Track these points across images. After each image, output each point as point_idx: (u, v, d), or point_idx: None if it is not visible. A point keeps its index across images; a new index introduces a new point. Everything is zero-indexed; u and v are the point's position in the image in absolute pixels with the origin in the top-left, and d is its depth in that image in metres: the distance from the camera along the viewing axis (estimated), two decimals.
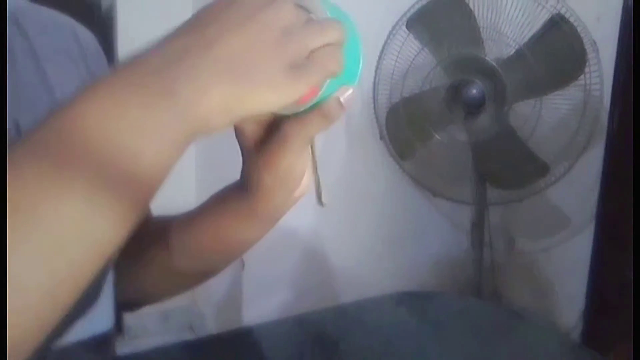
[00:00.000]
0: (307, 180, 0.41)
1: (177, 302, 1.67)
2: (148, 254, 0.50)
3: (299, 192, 0.41)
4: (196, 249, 0.47)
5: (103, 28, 1.38)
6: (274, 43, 0.31)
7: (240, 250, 0.47)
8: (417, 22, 1.24)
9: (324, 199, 0.41)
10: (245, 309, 1.47)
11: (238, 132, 0.39)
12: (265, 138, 0.38)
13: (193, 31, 0.30)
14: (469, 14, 1.21)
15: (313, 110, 0.36)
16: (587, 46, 1.18)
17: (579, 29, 1.17)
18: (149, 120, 0.27)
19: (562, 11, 1.18)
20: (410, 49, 1.30)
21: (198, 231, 0.46)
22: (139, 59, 0.29)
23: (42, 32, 0.44)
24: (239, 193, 0.42)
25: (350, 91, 0.36)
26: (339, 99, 0.36)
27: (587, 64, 1.18)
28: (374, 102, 1.39)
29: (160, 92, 0.27)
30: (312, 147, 0.40)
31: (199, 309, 1.68)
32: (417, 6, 1.25)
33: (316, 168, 0.41)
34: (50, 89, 0.43)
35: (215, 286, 1.58)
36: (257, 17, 0.31)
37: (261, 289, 1.48)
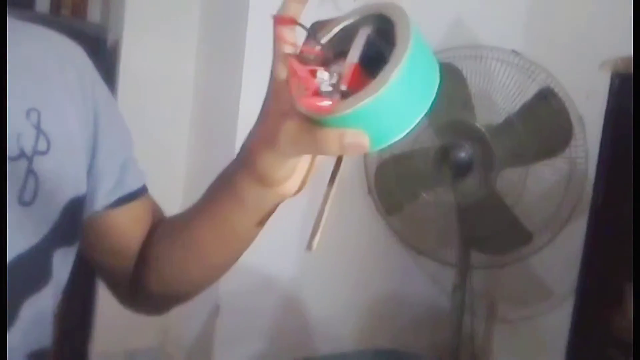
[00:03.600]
0: (294, 183, 0.39)
1: (145, 342, 1.61)
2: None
3: (283, 189, 0.39)
4: (185, 246, 0.48)
5: (107, 62, 1.41)
6: None
7: (231, 246, 0.46)
8: None
9: (314, 243, 0.37)
10: (217, 356, 1.43)
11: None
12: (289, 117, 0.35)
13: None
14: (462, 80, 1.25)
15: (312, 129, 0.32)
16: (574, 121, 1.21)
17: (567, 104, 1.21)
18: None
19: (552, 85, 1.22)
20: None
21: (193, 222, 0.47)
22: None
23: (27, 46, 0.45)
24: (232, 167, 0.43)
25: (362, 139, 0.31)
26: (340, 135, 0.31)
27: (573, 137, 1.21)
28: (364, 156, 1.40)
29: None
30: (332, 180, 0.36)
31: (168, 352, 1.62)
32: None
33: (324, 207, 0.37)
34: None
35: (188, 328, 1.53)
36: None
37: (235, 336, 1.44)
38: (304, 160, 0.38)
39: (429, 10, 1.46)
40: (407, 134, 0.31)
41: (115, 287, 0.55)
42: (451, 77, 1.25)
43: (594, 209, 1.29)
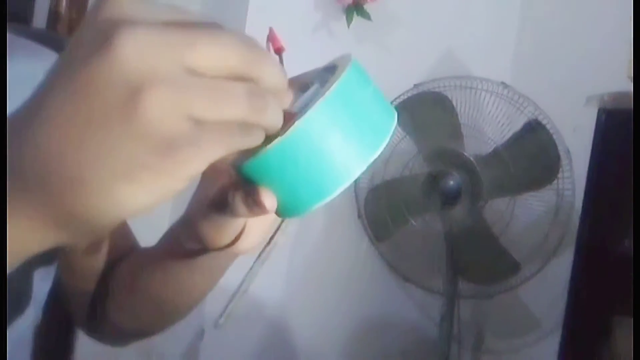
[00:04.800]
0: (245, 242, 0.36)
1: None
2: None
3: (234, 249, 0.37)
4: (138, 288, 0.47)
5: None
6: (119, 108, 0.21)
7: (181, 298, 0.45)
8: (402, 112, 1.29)
9: (221, 320, 0.34)
10: None
11: None
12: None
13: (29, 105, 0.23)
14: (451, 110, 1.27)
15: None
16: (562, 153, 1.23)
17: (554, 137, 1.22)
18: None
19: (540, 118, 1.24)
20: (393, 136, 1.34)
21: (146, 268, 0.45)
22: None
23: (21, 63, 0.45)
24: (178, 225, 0.40)
25: (265, 197, 0.26)
26: (245, 193, 0.27)
27: (560, 169, 1.22)
28: (355, 181, 1.41)
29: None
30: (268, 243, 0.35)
31: None
32: (403, 97, 1.30)
33: (239, 291, 0.34)
34: None
35: (171, 352, 1.50)
36: (86, 68, 0.21)
37: None
38: (252, 221, 0.35)
39: (421, 41, 1.50)
40: (334, 196, 0.26)
41: (76, 309, 0.54)
42: (441, 107, 1.27)
43: (581, 240, 1.30)
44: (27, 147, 0.23)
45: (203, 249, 0.37)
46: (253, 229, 0.36)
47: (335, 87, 0.25)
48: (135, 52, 0.21)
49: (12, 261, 0.24)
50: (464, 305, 1.42)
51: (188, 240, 0.38)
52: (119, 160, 0.22)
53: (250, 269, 0.33)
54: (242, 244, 0.36)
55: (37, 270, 0.45)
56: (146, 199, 0.22)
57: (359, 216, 1.42)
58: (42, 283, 0.46)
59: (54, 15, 1.37)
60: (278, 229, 0.33)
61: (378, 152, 0.26)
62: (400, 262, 1.42)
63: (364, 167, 0.25)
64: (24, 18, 1.23)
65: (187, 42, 0.22)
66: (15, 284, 0.43)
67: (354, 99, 0.25)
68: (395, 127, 0.27)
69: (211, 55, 0.22)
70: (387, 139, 0.26)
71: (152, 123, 0.21)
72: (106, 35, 0.21)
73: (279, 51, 0.35)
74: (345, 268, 1.51)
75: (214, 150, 0.23)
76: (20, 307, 0.44)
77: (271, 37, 0.35)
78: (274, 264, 1.42)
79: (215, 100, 0.22)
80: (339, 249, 1.50)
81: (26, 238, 0.24)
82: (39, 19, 1.39)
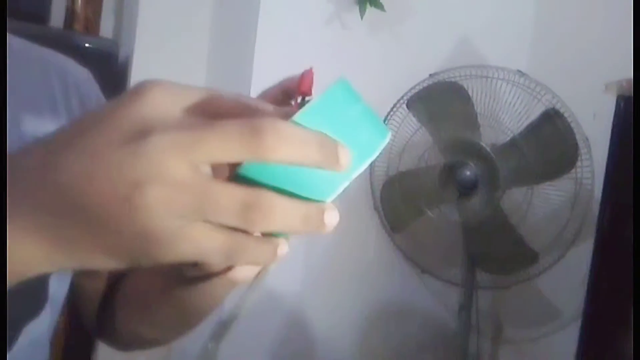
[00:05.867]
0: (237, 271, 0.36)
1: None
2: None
3: (227, 278, 0.36)
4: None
5: (119, 77, 1.44)
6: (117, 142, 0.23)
7: (180, 319, 0.45)
8: (417, 103, 1.29)
9: (210, 345, 0.32)
10: None
11: None
12: None
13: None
14: (467, 100, 1.25)
15: None
16: (580, 141, 1.21)
17: (572, 125, 1.21)
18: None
19: (557, 106, 1.22)
20: (408, 127, 1.34)
21: (144, 285, 0.46)
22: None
23: (23, 74, 0.46)
24: None
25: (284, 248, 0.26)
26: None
27: (579, 158, 1.21)
28: (371, 173, 1.41)
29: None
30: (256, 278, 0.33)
31: None
32: (417, 88, 1.30)
33: (229, 318, 0.32)
34: (21, 134, 0.44)
35: (192, 345, 1.52)
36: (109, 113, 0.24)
37: (239, 353, 1.43)
38: None
39: (435, 30, 1.48)
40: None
41: (86, 310, 0.55)
42: (457, 96, 1.26)
43: (600, 229, 1.28)
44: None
45: (200, 273, 0.36)
46: None
47: (316, 101, 0.24)
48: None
49: (12, 280, 0.26)
50: (482, 295, 1.41)
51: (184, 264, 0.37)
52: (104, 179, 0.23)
53: (242, 294, 0.32)
54: (238, 272, 0.35)
55: (53, 274, 0.46)
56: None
57: (375, 208, 1.42)
58: (58, 286, 0.47)
59: (70, 15, 1.39)
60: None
61: (361, 169, 0.25)
62: (417, 253, 1.42)
63: (345, 183, 0.25)
64: (42, 17, 1.25)
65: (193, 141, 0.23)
66: (30, 287, 0.43)
67: (337, 114, 0.25)
68: (388, 143, 0.26)
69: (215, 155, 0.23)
70: (373, 156, 0.25)
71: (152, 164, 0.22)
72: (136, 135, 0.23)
73: (304, 94, 0.34)
74: (362, 260, 1.52)
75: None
76: (36, 310, 0.45)
77: (306, 77, 0.34)
78: (291, 257, 1.42)
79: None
80: (355, 241, 1.51)
81: (28, 258, 0.25)
82: (56, 18, 1.41)
